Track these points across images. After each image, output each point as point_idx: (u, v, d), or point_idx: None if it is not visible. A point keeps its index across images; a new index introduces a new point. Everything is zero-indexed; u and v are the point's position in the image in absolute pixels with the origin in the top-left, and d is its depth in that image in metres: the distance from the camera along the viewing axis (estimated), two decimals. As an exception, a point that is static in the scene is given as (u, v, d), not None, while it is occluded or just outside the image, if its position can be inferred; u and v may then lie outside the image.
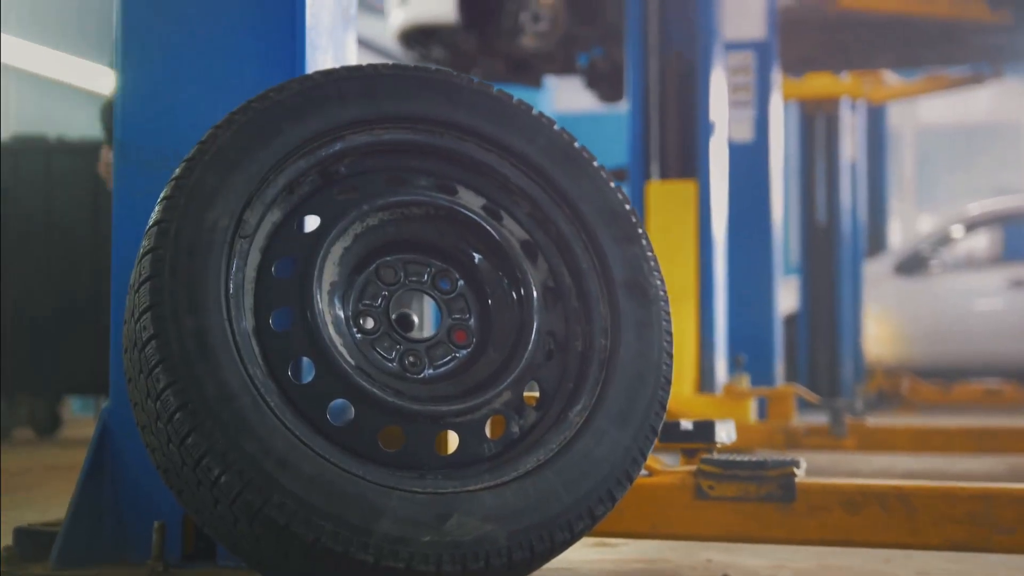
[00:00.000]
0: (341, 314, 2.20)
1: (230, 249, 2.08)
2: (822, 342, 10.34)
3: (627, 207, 2.38)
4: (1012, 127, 20.42)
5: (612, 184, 2.39)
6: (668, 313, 2.35)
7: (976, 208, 12.12)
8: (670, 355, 2.31)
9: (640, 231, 2.38)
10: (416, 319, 2.29)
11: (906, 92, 10.87)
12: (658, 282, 2.35)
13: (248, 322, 2.08)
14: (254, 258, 2.13)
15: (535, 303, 2.30)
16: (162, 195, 2.11)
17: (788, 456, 2.70)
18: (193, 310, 2.01)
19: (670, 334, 2.33)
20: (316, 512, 1.94)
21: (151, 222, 2.10)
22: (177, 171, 2.13)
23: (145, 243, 2.09)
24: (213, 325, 2.01)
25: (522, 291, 2.31)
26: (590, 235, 2.34)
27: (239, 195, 2.11)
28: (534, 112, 2.39)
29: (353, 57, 2.73)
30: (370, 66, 2.33)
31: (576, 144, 2.40)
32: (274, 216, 2.18)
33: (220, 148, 2.13)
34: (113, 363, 2.63)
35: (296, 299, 2.13)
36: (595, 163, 2.40)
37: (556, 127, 2.39)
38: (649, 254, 2.36)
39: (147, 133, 2.61)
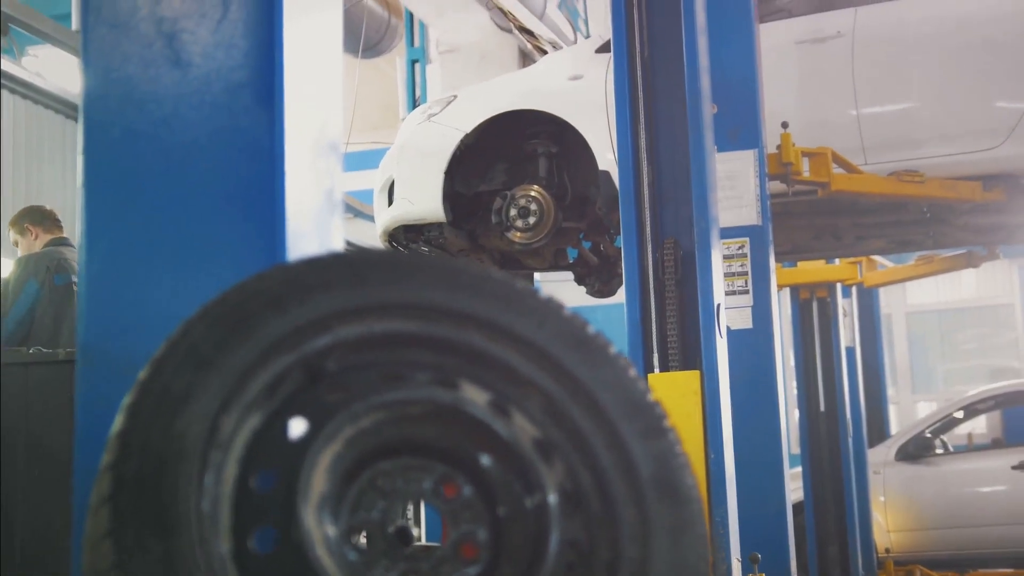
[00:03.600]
0: (332, 531, 1.93)
1: (203, 461, 1.82)
2: (831, 534, 10.05)
3: (650, 397, 2.13)
4: (997, 308, 20.38)
5: (632, 373, 2.15)
6: (702, 515, 2.08)
7: (975, 392, 11.97)
8: (707, 563, 2.04)
9: (666, 424, 2.12)
10: (417, 532, 2.02)
11: (900, 276, 10.76)
12: (690, 480, 2.08)
13: (224, 545, 1.81)
14: (231, 470, 1.87)
15: (552, 509, 2.02)
16: (125, 401, 1.86)
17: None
18: (160, 534, 1.75)
19: (706, 539, 2.06)
20: None
21: (113, 432, 1.85)
22: (143, 373, 1.88)
23: (106, 457, 1.83)
24: (183, 550, 1.74)
25: (536, 496, 2.04)
26: (611, 430, 2.08)
27: (213, 398, 1.86)
28: (541, 296, 2.16)
29: (339, 243, 2.52)
30: (359, 251, 2.11)
31: (590, 329, 2.16)
32: (253, 421, 1.92)
33: (192, 345, 1.89)
34: (74, 596, 2.35)
35: (280, 517, 1.86)
36: (612, 350, 2.15)
37: (567, 311, 2.16)
38: (677, 449, 2.10)
39: (112, 334, 2.38)
